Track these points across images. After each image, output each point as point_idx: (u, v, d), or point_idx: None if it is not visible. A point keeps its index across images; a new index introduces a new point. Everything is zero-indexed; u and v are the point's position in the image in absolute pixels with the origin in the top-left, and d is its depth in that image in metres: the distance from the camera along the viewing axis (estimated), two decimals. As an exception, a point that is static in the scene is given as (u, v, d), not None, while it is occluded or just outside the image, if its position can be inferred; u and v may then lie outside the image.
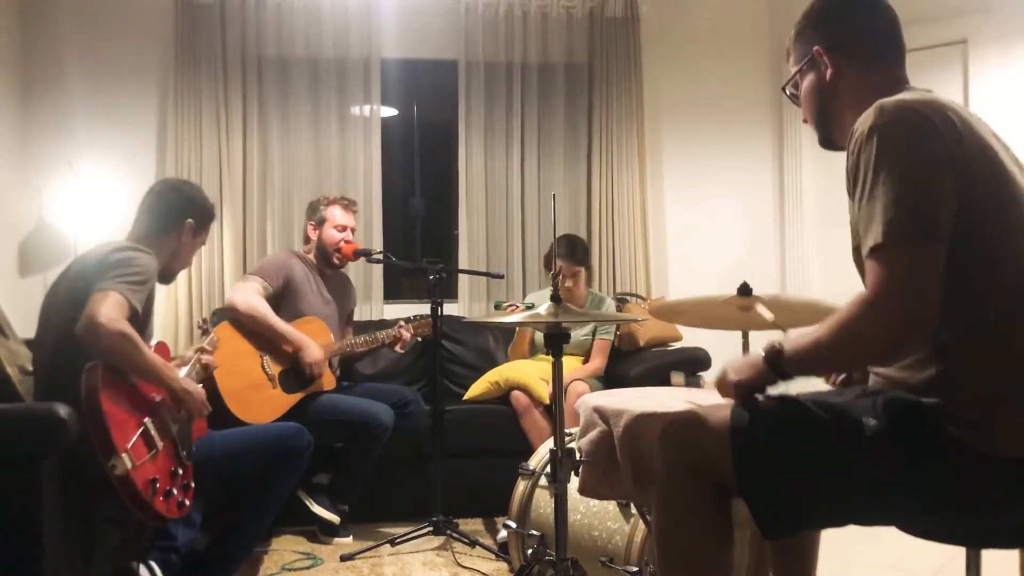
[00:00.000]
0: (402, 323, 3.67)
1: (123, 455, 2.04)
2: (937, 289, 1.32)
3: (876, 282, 1.34)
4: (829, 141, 1.71)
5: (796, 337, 1.47)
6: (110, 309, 2.13)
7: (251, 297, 3.34)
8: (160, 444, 2.23)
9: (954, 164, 1.37)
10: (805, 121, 1.74)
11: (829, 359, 1.46)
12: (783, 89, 1.76)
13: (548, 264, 4.12)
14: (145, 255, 2.35)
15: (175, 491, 2.22)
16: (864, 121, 1.42)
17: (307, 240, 3.71)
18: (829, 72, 1.62)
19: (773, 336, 1.56)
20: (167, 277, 2.63)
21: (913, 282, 1.32)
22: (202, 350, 2.74)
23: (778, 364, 1.48)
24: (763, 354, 1.51)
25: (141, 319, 2.28)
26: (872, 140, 1.38)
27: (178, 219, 2.56)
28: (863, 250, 1.39)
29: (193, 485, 2.33)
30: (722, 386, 1.60)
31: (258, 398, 3.23)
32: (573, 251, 3.93)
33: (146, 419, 2.22)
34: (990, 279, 1.40)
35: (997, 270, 1.40)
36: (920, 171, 1.36)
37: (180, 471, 2.29)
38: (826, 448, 1.45)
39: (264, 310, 3.33)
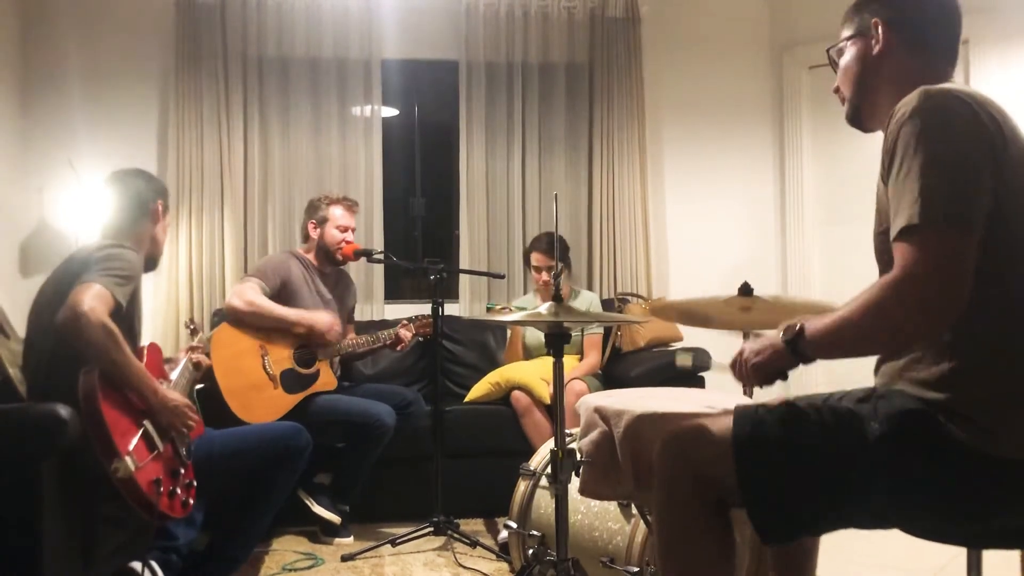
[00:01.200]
0: (404, 322, 3.68)
1: (125, 458, 2.04)
2: (969, 275, 1.31)
3: (908, 262, 1.32)
4: (857, 117, 1.67)
5: (817, 318, 1.44)
6: (93, 300, 2.09)
7: (249, 295, 3.35)
8: (161, 445, 2.23)
9: (996, 159, 1.36)
10: (836, 91, 1.70)
11: (853, 341, 1.40)
12: (828, 50, 1.72)
13: (527, 260, 4.14)
14: (129, 251, 2.34)
15: (178, 490, 2.22)
16: (907, 103, 1.40)
17: (306, 238, 3.71)
18: (878, 46, 1.59)
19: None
20: (151, 265, 2.60)
21: (946, 264, 1.30)
22: (192, 348, 2.74)
23: (798, 346, 1.45)
24: (782, 337, 1.48)
25: (126, 316, 2.26)
26: (915, 121, 1.36)
27: (148, 204, 2.55)
28: (892, 229, 1.36)
29: (195, 483, 2.33)
30: (738, 367, 1.57)
31: (260, 398, 3.23)
32: (551, 246, 3.95)
33: (145, 420, 2.21)
34: (1009, 280, 1.39)
35: (1016, 271, 1.39)
36: (961, 158, 1.34)
37: (182, 470, 2.29)
38: (830, 455, 1.44)
39: (264, 302, 3.35)
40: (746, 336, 2.32)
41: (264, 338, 3.35)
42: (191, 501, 2.28)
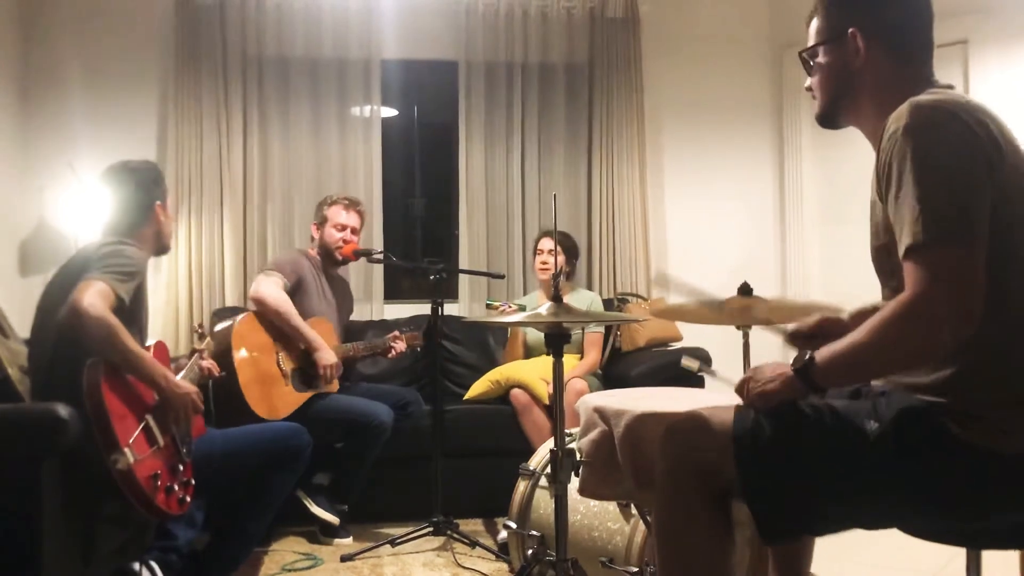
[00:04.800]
0: (396, 333, 3.72)
1: (125, 450, 2.05)
2: (980, 287, 1.31)
3: (917, 282, 1.32)
4: (832, 119, 1.65)
5: (827, 346, 1.44)
6: (93, 296, 2.12)
7: (279, 292, 3.37)
8: (161, 440, 2.24)
9: (991, 168, 1.36)
10: (809, 89, 1.66)
11: (869, 365, 1.41)
12: (800, 53, 1.67)
13: (535, 248, 4.20)
14: (131, 248, 2.35)
15: (176, 487, 2.23)
16: (898, 119, 1.39)
17: (312, 239, 3.72)
18: (860, 57, 1.56)
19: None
20: (161, 251, 2.64)
21: (955, 280, 1.30)
22: (200, 353, 2.74)
23: (809, 376, 1.45)
24: (792, 366, 1.47)
25: (131, 312, 2.28)
26: (909, 140, 1.36)
27: (148, 205, 2.54)
28: (899, 249, 1.36)
29: (193, 482, 2.33)
30: (744, 392, 1.56)
31: (273, 393, 3.24)
32: (564, 237, 4.05)
33: (147, 415, 2.23)
34: (1009, 279, 1.39)
35: (1017, 274, 1.39)
36: (957, 172, 1.34)
37: (181, 467, 2.30)
38: (829, 452, 1.44)
39: (290, 308, 3.37)
40: (745, 336, 2.33)
41: (279, 334, 3.36)
42: (188, 499, 2.28)
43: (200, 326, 2.98)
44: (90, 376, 2.09)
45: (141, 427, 2.18)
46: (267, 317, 3.34)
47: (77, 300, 2.10)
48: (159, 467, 2.18)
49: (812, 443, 1.46)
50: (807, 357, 1.46)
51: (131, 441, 2.10)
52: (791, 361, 1.49)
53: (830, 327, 1.75)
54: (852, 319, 1.75)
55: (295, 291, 3.47)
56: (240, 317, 3.31)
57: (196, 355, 2.71)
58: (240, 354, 3.16)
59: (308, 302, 3.50)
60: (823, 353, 1.44)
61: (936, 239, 1.31)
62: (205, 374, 2.76)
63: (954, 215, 1.32)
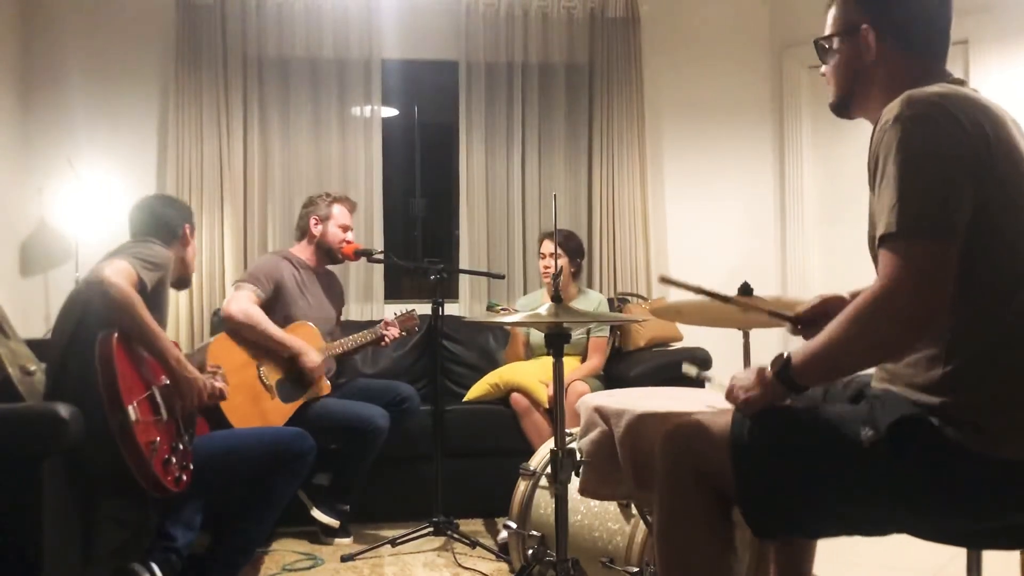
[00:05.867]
0: (387, 320, 3.67)
1: (128, 408, 2.11)
2: (947, 283, 1.30)
3: (886, 272, 1.33)
4: (845, 110, 1.66)
5: (802, 345, 1.44)
6: (115, 270, 2.23)
7: (247, 306, 3.28)
8: (165, 414, 2.29)
9: (979, 164, 1.35)
10: (823, 74, 1.67)
11: (842, 359, 1.41)
12: (815, 41, 1.67)
13: (539, 249, 4.18)
14: (159, 246, 2.47)
15: (174, 460, 2.26)
16: (890, 111, 1.39)
17: (305, 233, 3.64)
18: (871, 54, 1.56)
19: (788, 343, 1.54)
20: (183, 284, 2.76)
21: (924, 273, 1.30)
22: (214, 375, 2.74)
23: (787, 376, 1.45)
24: (770, 368, 1.48)
25: (151, 303, 2.32)
26: (895, 130, 1.36)
27: (177, 229, 2.69)
28: (876, 237, 1.37)
29: (192, 467, 2.35)
30: (732, 399, 1.57)
31: (258, 411, 3.19)
32: (565, 239, 4.00)
33: (154, 387, 2.29)
34: (1004, 281, 1.39)
35: (1012, 272, 1.39)
36: (938, 167, 1.34)
37: (181, 447, 2.32)
38: (825, 458, 1.44)
39: (261, 319, 3.28)
40: (745, 336, 2.33)
41: (258, 348, 3.29)
42: (184, 479, 2.30)
43: (216, 366, 2.94)
44: (104, 340, 2.16)
45: (146, 395, 2.24)
46: (241, 334, 3.26)
47: (100, 270, 2.22)
48: (159, 436, 2.22)
49: (808, 449, 1.46)
50: (784, 358, 1.46)
51: (135, 403, 2.15)
52: (769, 364, 1.49)
53: (833, 307, 1.75)
54: (852, 297, 1.75)
55: (274, 299, 3.40)
56: (211, 341, 3.23)
57: (209, 373, 2.71)
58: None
59: (292, 307, 3.44)
60: (799, 353, 1.44)
61: (910, 230, 1.31)
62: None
63: (929, 208, 1.32)
